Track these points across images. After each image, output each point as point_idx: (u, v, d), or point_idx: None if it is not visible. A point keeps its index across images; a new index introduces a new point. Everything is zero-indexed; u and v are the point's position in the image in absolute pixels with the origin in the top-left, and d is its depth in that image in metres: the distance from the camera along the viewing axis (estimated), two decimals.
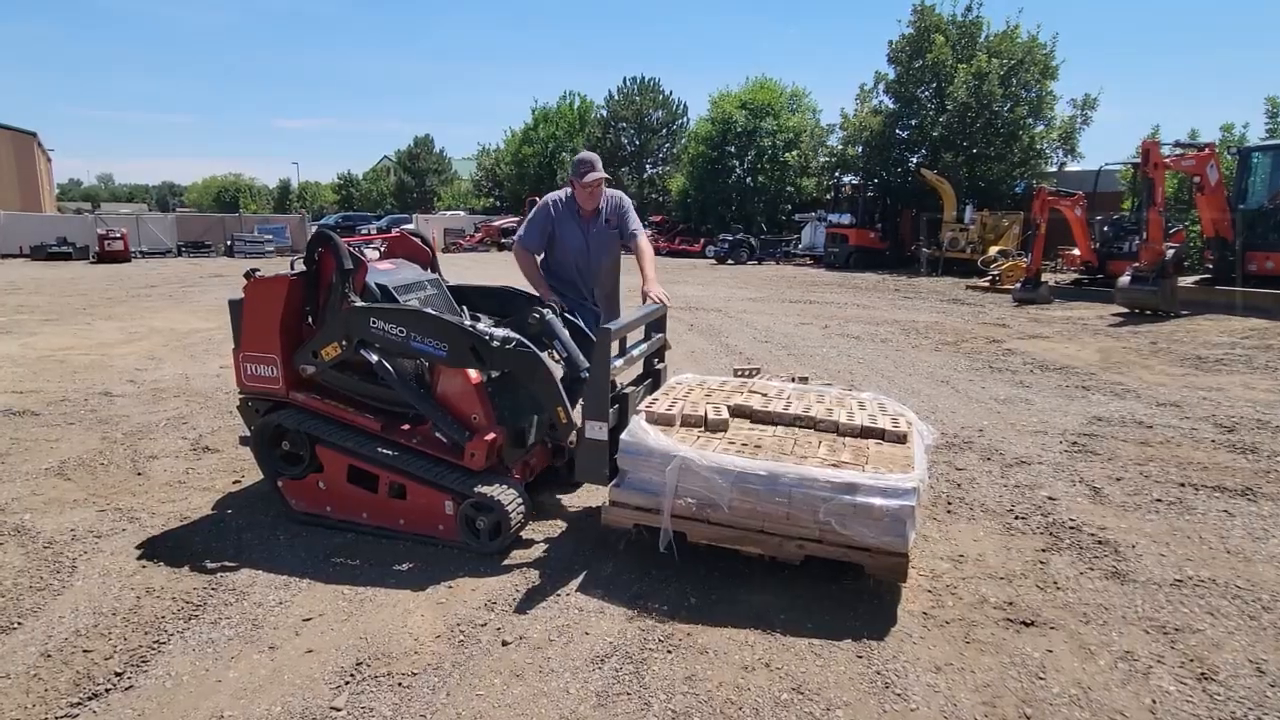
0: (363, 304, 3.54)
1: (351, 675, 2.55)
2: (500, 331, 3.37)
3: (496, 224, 34.36)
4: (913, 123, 22.48)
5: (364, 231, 34.05)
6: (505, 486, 3.45)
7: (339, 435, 3.60)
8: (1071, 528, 3.59)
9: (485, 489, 3.39)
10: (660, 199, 36.93)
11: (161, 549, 3.51)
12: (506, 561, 3.37)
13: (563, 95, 43.29)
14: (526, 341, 3.39)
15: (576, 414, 3.45)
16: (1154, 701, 2.35)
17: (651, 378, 3.85)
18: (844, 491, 2.83)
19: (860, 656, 2.61)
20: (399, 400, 3.64)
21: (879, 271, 20.11)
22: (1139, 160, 10.66)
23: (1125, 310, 10.78)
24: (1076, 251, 14.41)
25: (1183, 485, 4.08)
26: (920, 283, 17.04)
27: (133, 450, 4.91)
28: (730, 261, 22.61)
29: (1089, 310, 11.39)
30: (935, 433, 3.45)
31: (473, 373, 3.51)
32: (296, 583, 3.19)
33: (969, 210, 19.58)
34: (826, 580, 3.08)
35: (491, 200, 47.84)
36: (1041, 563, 3.26)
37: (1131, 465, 4.42)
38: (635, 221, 4.31)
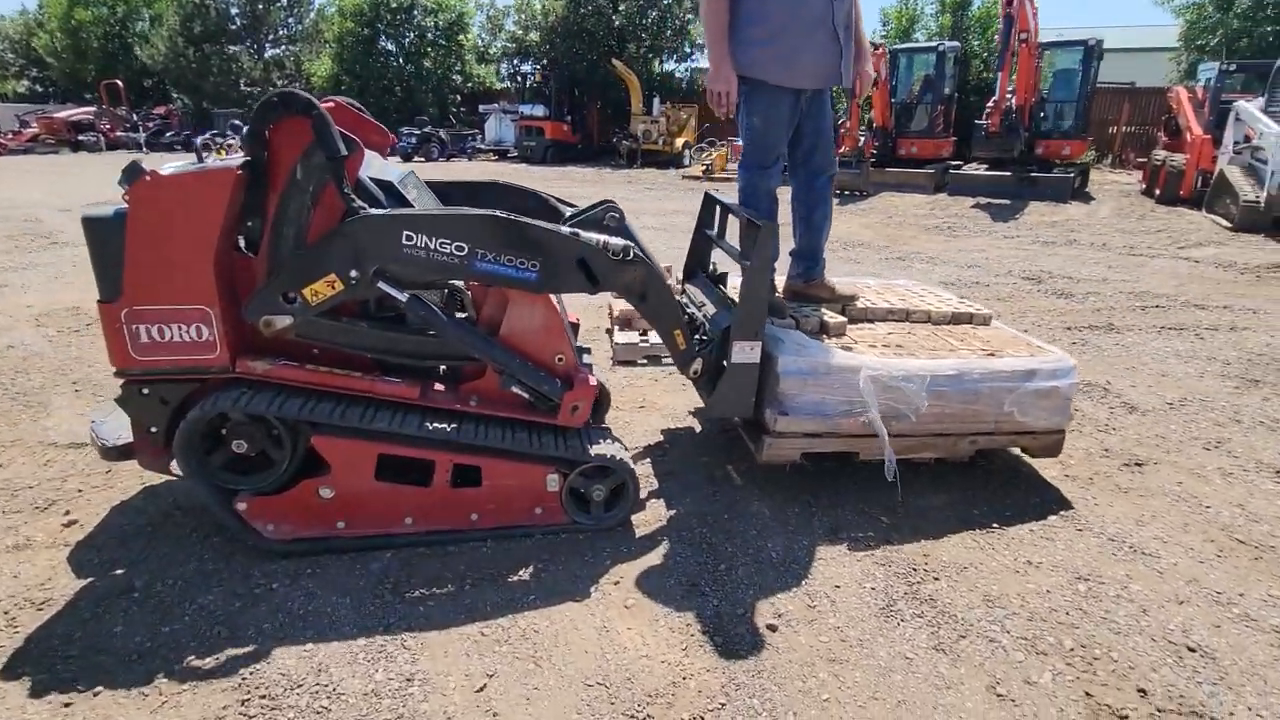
0: (385, 211, 2.30)
1: None
2: (616, 240, 2.48)
3: (62, 115, 25.86)
4: (594, 10, 22.18)
5: None
6: (610, 441, 2.69)
7: (355, 415, 2.38)
8: None
9: (599, 449, 2.59)
10: (295, 85, 31.35)
11: (68, 661, 2.01)
12: (639, 532, 2.66)
13: None
14: (643, 249, 2.56)
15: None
16: None
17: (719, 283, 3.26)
18: (1025, 379, 2.77)
19: (1081, 530, 2.67)
20: (420, 351, 2.52)
21: (579, 165, 20.08)
22: None
23: (835, 191, 12.53)
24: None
25: (1069, 329, 4.93)
26: (636, 175, 17.50)
27: None
28: (420, 158, 20.41)
29: None
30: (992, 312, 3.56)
31: (554, 299, 2.58)
32: (387, 643, 2.11)
33: (656, 103, 20.42)
34: (962, 468, 3.05)
35: (29, 83, 35.72)
36: (1076, 409, 3.68)
37: (1017, 319, 5.19)
38: None
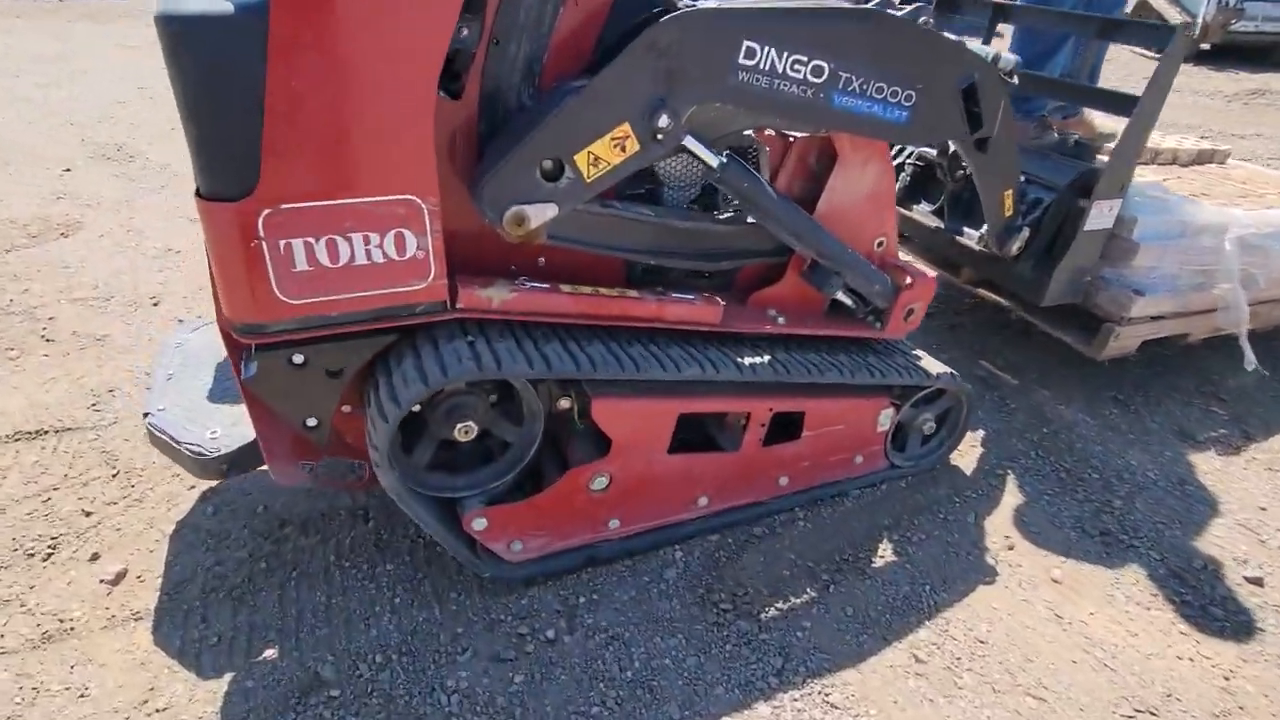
0: (716, 5, 1.30)
1: None
2: (1007, 54, 1.62)
3: None
4: None
5: None
6: (928, 355, 1.96)
7: (653, 362, 1.47)
8: None
9: (931, 366, 1.87)
10: None
11: None
12: (965, 467, 2.02)
13: None
14: None
15: None
16: None
17: None
18: None
19: None
20: (721, 249, 1.61)
21: None
22: None
23: None
24: None
25: None
26: None
27: None
28: None
29: None
30: None
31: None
32: (802, 705, 1.39)
33: None
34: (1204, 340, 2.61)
35: None
36: None
37: None
38: None
